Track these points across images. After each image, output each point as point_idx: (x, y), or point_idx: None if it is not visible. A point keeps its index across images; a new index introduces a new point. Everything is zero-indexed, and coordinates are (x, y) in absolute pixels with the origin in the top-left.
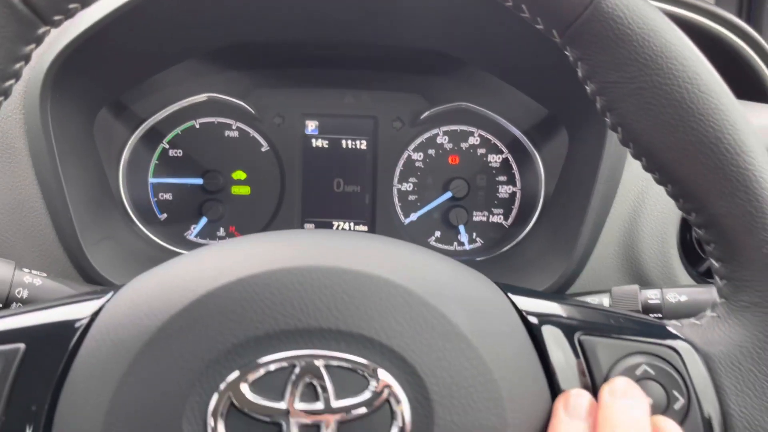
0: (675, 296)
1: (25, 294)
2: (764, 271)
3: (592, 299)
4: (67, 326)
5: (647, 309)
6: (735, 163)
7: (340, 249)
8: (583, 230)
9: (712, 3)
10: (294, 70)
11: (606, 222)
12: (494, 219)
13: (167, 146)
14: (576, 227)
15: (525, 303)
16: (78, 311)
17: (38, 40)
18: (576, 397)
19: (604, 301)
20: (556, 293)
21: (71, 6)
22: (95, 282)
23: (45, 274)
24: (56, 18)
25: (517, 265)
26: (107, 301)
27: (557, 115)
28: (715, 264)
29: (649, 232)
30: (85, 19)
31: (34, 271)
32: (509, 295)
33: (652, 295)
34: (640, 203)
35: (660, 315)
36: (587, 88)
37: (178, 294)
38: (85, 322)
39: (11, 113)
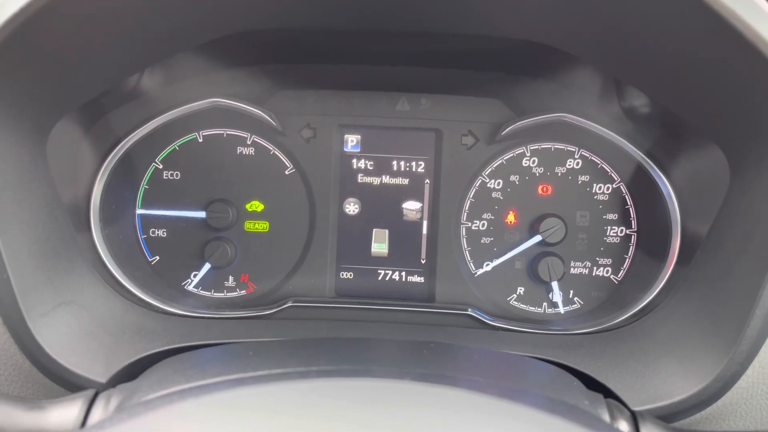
0: None
1: None
2: None
3: None
4: None
5: None
6: None
7: None
8: (755, 312)
9: None
10: (328, 65)
11: None
12: (599, 272)
13: (160, 166)
14: (743, 307)
15: None
16: None
17: None
18: None
19: None
20: None
21: None
22: (46, 369)
23: None
24: None
25: (641, 351)
26: None
27: (712, 136)
28: None
29: None
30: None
31: None
32: None
33: None
34: None
35: None
36: None
37: None
38: None
39: None
